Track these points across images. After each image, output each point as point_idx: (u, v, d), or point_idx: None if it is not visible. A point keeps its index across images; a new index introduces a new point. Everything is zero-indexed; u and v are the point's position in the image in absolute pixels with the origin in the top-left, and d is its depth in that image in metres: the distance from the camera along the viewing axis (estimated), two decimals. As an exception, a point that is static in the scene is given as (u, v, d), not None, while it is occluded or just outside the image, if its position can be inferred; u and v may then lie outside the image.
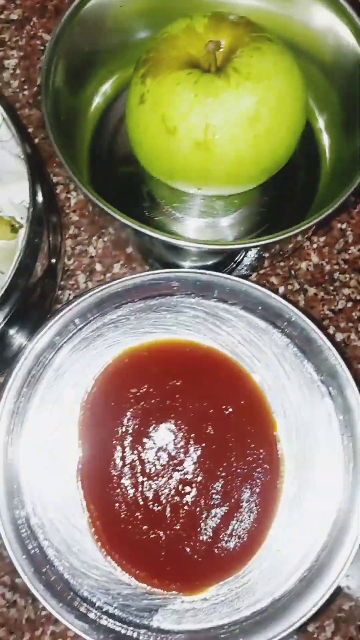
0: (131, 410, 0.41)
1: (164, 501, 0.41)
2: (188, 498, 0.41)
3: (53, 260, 0.46)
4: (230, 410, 0.41)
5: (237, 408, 0.42)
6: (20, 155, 0.44)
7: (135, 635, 0.39)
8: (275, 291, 0.49)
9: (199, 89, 0.38)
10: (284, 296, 0.48)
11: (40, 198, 0.41)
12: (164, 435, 0.41)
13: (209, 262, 0.47)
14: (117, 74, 0.49)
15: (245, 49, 0.39)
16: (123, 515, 0.40)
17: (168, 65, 0.39)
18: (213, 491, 0.41)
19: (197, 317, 0.43)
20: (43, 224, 0.41)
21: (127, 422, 0.41)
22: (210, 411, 0.41)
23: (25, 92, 0.51)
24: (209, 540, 0.40)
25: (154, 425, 0.41)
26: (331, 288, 0.49)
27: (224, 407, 0.41)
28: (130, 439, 0.41)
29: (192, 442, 0.41)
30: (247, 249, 0.44)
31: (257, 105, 0.38)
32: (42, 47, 0.52)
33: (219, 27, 0.40)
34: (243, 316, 0.43)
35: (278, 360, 0.43)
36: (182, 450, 0.41)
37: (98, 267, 0.49)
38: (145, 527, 0.40)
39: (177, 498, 0.41)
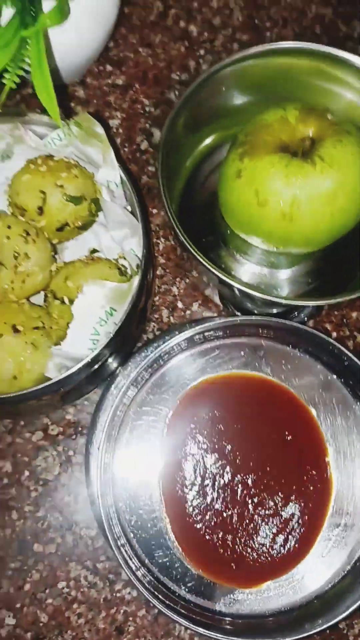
0: (207, 429, 0.49)
1: (230, 509, 0.49)
2: (251, 508, 0.49)
3: (145, 298, 0.54)
4: (290, 437, 0.50)
5: (295, 435, 0.50)
6: (127, 207, 0.53)
7: (200, 619, 0.47)
8: (329, 336, 0.57)
9: (289, 171, 0.46)
10: (337, 340, 0.56)
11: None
12: (233, 453, 0.49)
13: (274, 310, 0.55)
14: (218, 132, 0.58)
15: (329, 140, 0.47)
16: (196, 520, 0.48)
17: (263, 148, 0.48)
18: (272, 503, 0.49)
19: (266, 355, 0.51)
20: (149, 270, 0.49)
21: (203, 440, 0.49)
22: (273, 436, 0.50)
23: (126, 149, 0.60)
24: (267, 544, 0.48)
25: (225, 444, 0.49)
26: (377, 337, 0.57)
27: (285, 433, 0.50)
28: (205, 454, 0.49)
29: (256, 461, 0.49)
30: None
31: (336, 188, 0.46)
32: (141, 111, 0.61)
33: (307, 119, 0.49)
34: (303, 357, 0.51)
35: (331, 397, 0.51)
36: (247, 467, 0.49)
37: (179, 304, 0.57)
38: (214, 530, 0.48)
39: (241, 507, 0.49)
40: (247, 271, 0.57)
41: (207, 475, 0.49)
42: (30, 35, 0.41)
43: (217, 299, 0.57)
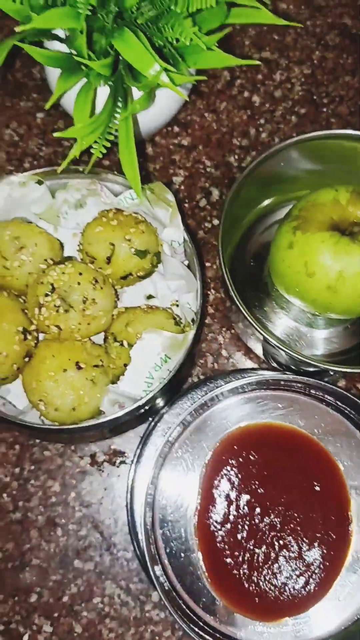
0: (242, 472, 0.54)
1: (257, 548, 0.53)
2: (277, 549, 0.53)
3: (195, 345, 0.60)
4: (318, 487, 0.54)
5: (322, 486, 0.54)
6: (185, 262, 0.58)
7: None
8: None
9: (337, 249, 0.51)
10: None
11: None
12: (264, 496, 0.54)
13: (311, 369, 0.60)
14: (275, 196, 0.63)
15: (375, 222, 0.53)
16: (225, 554, 0.53)
17: (315, 225, 0.53)
18: (296, 547, 0.53)
19: (301, 410, 0.56)
20: (200, 330, 0.55)
21: (237, 482, 0.54)
22: (302, 485, 0.54)
23: (186, 205, 0.65)
24: (289, 584, 0.53)
25: (257, 488, 0.54)
26: None
27: (314, 483, 0.54)
28: (238, 495, 0.54)
29: (284, 506, 0.54)
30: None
31: (378, 266, 0.52)
32: (202, 171, 0.66)
33: (357, 202, 0.54)
34: (335, 414, 0.56)
35: (358, 455, 0.55)
36: (276, 510, 0.54)
37: (224, 352, 0.62)
38: (241, 566, 0.53)
39: (268, 548, 0.53)
40: (286, 326, 0.62)
41: (238, 514, 0.54)
42: (121, 119, 0.47)
43: (258, 351, 0.62)
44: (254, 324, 0.53)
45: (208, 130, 0.67)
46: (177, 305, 0.59)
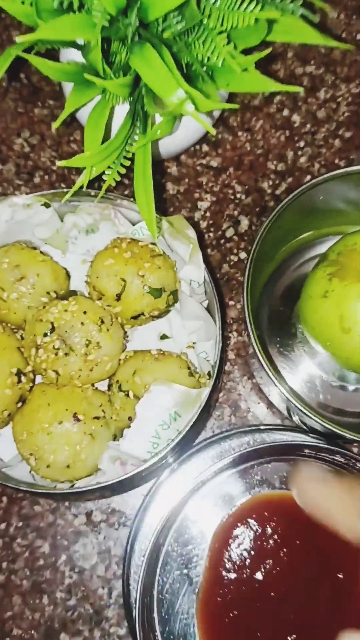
0: (255, 550, 0.47)
1: (270, 637, 0.46)
2: (293, 637, 0.46)
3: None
4: (341, 575, 0.47)
5: (346, 574, 0.47)
6: (205, 302, 0.51)
7: None
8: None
9: (380, 303, 0.44)
10: None
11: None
12: (279, 582, 0.47)
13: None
14: (314, 229, 0.57)
15: None
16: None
17: (354, 274, 0.46)
18: (315, 636, 0.46)
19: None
20: (220, 379, 0.48)
21: (249, 561, 0.47)
22: (324, 565, 0.47)
23: (211, 234, 0.58)
24: None
25: (271, 570, 0.47)
26: None
27: (334, 563, 0.47)
28: (248, 574, 0.47)
29: (301, 588, 0.47)
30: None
31: None
32: (232, 197, 0.59)
33: None
34: None
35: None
36: (290, 595, 0.47)
37: (243, 404, 0.55)
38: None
39: (281, 636, 0.46)
40: (314, 376, 0.55)
41: (247, 597, 0.47)
42: (138, 147, 0.40)
43: (282, 407, 0.54)
44: (276, 382, 0.46)
45: (241, 151, 0.60)
46: (194, 348, 0.53)
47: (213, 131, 0.37)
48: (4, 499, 0.52)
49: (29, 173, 0.59)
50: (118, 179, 0.43)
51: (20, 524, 0.52)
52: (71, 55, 0.45)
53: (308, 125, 0.61)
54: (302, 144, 0.60)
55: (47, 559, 0.52)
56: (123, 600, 0.50)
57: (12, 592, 0.51)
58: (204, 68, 0.41)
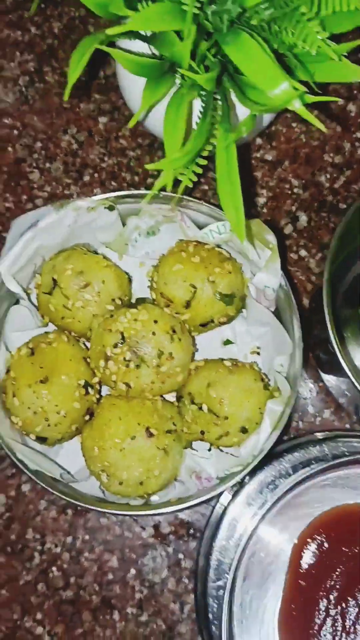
0: (341, 567, 0.46)
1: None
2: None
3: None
4: None
5: None
6: (272, 308, 0.49)
7: None
8: None
9: None
10: None
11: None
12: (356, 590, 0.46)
13: None
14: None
15: None
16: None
17: None
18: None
19: None
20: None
21: (336, 578, 0.46)
22: None
23: (269, 232, 0.56)
24: None
25: (351, 585, 0.46)
26: None
27: None
28: (337, 594, 0.46)
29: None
30: None
31: None
32: (289, 191, 0.57)
33: None
34: None
35: None
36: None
37: (310, 409, 0.53)
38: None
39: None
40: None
41: (330, 615, 0.45)
42: (222, 147, 0.37)
43: (351, 409, 0.53)
44: (351, 375, 0.44)
45: (296, 144, 0.58)
46: (259, 354, 0.51)
47: (324, 128, 0.35)
48: (69, 511, 0.51)
49: (77, 171, 0.56)
50: (195, 179, 0.41)
51: (87, 537, 0.50)
52: (137, 47, 0.42)
53: (366, 115, 0.58)
54: (359, 134, 0.58)
55: (116, 573, 0.50)
56: (196, 614, 0.49)
57: (81, 608, 0.50)
58: (295, 58, 0.38)
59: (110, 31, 0.32)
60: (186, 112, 0.39)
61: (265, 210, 0.57)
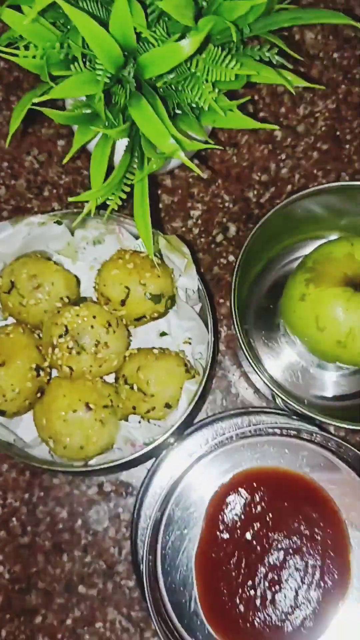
0: (243, 514, 0.56)
1: (254, 589, 0.55)
2: (274, 590, 0.55)
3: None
4: (320, 535, 0.56)
5: (325, 534, 0.56)
6: (198, 305, 0.59)
7: None
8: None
9: (350, 305, 0.52)
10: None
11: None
12: (264, 539, 0.56)
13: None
14: (295, 237, 0.64)
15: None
16: (222, 592, 0.55)
17: (328, 280, 0.53)
18: (293, 588, 0.55)
19: (307, 457, 0.57)
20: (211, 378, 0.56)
21: (238, 522, 0.56)
22: (305, 531, 0.56)
23: (202, 240, 0.66)
24: (283, 626, 0.55)
25: (257, 530, 0.56)
26: None
27: (316, 530, 0.56)
28: (239, 536, 0.56)
29: (284, 549, 0.56)
30: None
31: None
32: (220, 205, 0.67)
33: (372, 258, 0.54)
34: (340, 464, 0.57)
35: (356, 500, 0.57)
36: (275, 553, 0.56)
37: (233, 390, 0.63)
38: (237, 604, 0.55)
39: (265, 589, 0.55)
40: (296, 365, 0.63)
41: (236, 554, 0.56)
42: (137, 180, 0.47)
43: (267, 392, 0.63)
44: (257, 370, 0.54)
45: (228, 164, 0.67)
46: (190, 344, 0.60)
47: (199, 171, 0.45)
48: (27, 473, 0.61)
49: (38, 187, 0.66)
50: (120, 203, 0.50)
51: (42, 494, 0.61)
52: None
53: (289, 139, 0.68)
54: (283, 156, 0.67)
55: (65, 524, 0.61)
56: (131, 557, 0.59)
57: (36, 551, 0.60)
58: (195, 107, 0.48)
59: (36, 100, 0.42)
60: (108, 152, 0.48)
61: (199, 221, 0.66)
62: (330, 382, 0.63)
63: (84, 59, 0.46)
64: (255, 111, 0.68)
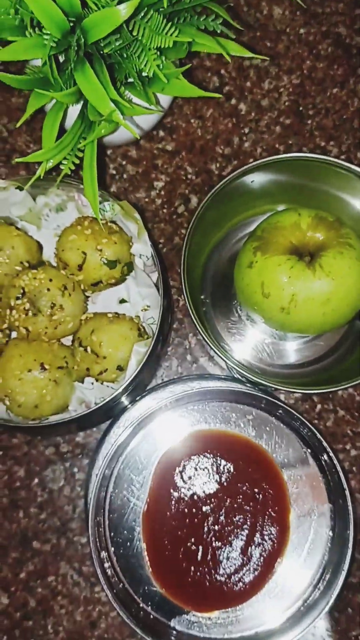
0: (190, 474, 0.58)
1: (198, 545, 0.57)
2: (216, 546, 0.57)
3: (160, 347, 0.63)
4: (260, 496, 0.58)
5: (265, 494, 0.58)
6: (155, 273, 0.61)
7: (159, 628, 0.56)
8: (314, 407, 0.64)
9: (292, 273, 0.53)
10: (319, 413, 0.64)
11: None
12: (208, 498, 0.58)
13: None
14: (249, 210, 0.65)
15: (332, 250, 0.54)
16: (167, 548, 0.58)
17: (275, 248, 0.55)
18: (234, 546, 0.57)
19: (253, 420, 0.59)
20: (167, 334, 0.57)
21: (185, 482, 0.58)
22: (248, 491, 0.58)
23: (165, 210, 0.67)
24: (223, 580, 0.57)
25: (202, 490, 0.58)
26: (357, 414, 0.64)
27: (255, 490, 0.58)
28: (185, 494, 0.58)
29: (227, 509, 0.58)
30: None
31: (330, 295, 0.53)
32: (184, 177, 0.68)
33: (317, 227, 0.55)
34: (285, 428, 0.59)
35: (302, 469, 0.59)
36: (218, 512, 0.58)
37: (189, 357, 0.65)
38: (181, 559, 0.57)
39: (208, 545, 0.57)
40: (255, 337, 0.65)
41: (182, 512, 0.58)
42: (86, 143, 0.49)
43: (221, 361, 0.65)
44: (208, 341, 0.56)
45: (193, 137, 0.69)
46: (148, 310, 0.62)
47: (136, 134, 0.46)
48: (-13, 433, 0.63)
49: (6, 155, 0.68)
50: (73, 167, 0.52)
51: (0, 453, 0.63)
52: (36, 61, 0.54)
53: (253, 114, 0.69)
54: (246, 130, 0.69)
55: (22, 482, 0.63)
56: (85, 514, 0.62)
57: (-6, 507, 0.63)
58: (141, 77, 0.49)
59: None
60: (61, 116, 0.50)
61: (163, 192, 0.68)
62: (291, 351, 0.65)
63: (34, 25, 0.48)
64: (221, 85, 0.69)
